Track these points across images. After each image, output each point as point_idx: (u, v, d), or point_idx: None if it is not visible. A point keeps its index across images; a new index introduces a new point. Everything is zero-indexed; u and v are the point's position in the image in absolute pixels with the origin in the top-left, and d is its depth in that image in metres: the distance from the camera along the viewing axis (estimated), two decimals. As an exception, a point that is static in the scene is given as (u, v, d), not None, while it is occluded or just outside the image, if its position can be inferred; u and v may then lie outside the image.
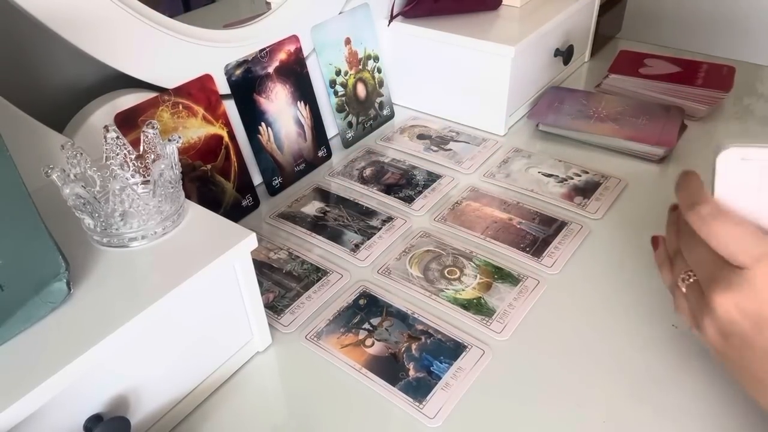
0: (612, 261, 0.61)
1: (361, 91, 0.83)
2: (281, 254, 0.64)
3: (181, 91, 0.61)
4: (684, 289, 0.42)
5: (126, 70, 0.56)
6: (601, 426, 0.46)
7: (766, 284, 0.36)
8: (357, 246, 0.64)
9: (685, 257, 0.42)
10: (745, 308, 0.37)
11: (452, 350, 0.52)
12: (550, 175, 0.74)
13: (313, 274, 0.61)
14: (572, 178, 0.73)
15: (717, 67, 0.91)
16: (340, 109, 0.81)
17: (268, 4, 0.74)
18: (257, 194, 0.71)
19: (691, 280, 0.41)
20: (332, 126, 0.81)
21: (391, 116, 0.88)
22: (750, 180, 0.38)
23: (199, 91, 0.63)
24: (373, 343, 0.53)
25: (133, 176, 0.43)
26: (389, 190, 0.73)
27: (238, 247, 0.45)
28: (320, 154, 0.78)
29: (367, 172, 0.77)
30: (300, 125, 0.75)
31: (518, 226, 0.66)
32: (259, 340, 0.53)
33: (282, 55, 0.71)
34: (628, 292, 0.57)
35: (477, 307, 0.56)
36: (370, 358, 0.52)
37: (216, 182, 0.66)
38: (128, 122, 0.57)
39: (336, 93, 0.80)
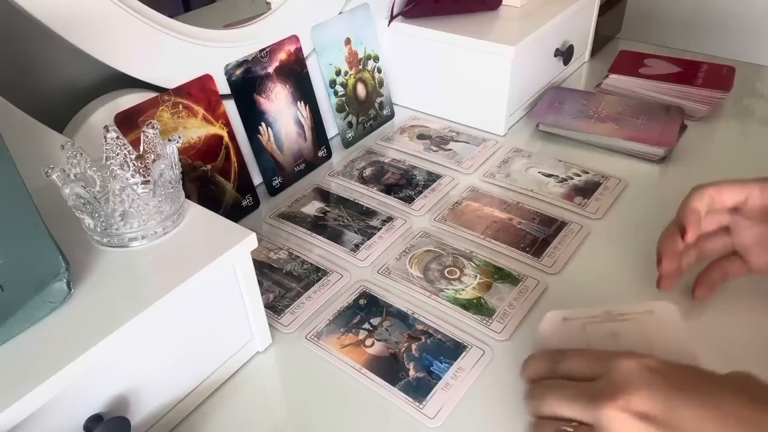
0: (612, 261, 0.61)
1: (361, 91, 0.83)
2: (281, 254, 0.64)
3: (181, 91, 0.61)
4: None
5: (126, 70, 0.56)
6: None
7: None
8: (357, 246, 0.64)
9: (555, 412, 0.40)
10: None
11: (452, 350, 0.52)
12: (550, 175, 0.74)
13: (313, 274, 0.61)
14: (572, 178, 0.73)
15: (717, 67, 0.91)
16: (340, 109, 0.81)
17: (268, 4, 0.74)
18: (257, 194, 0.71)
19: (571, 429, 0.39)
20: (332, 126, 0.81)
21: (391, 116, 0.88)
22: (577, 337, 0.42)
23: (199, 91, 0.63)
24: (373, 343, 0.53)
25: (133, 176, 0.43)
26: (389, 190, 0.73)
27: (238, 247, 0.45)
28: (320, 154, 0.79)
29: (367, 172, 0.77)
30: (300, 125, 0.75)
31: (518, 226, 0.66)
32: (259, 340, 0.53)
33: (282, 55, 0.71)
34: (627, 292, 0.57)
35: (477, 307, 0.56)
36: (370, 358, 0.52)
37: (216, 182, 0.66)
38: (128, 122, 0.57)
39: (336, 93, 0.80)
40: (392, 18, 0.84)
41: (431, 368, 0.50)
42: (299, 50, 0.73)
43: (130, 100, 0.57)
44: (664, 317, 0.43)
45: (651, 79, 0.90)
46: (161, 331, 0.44)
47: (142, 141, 0.46)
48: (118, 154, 0.43)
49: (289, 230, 0.67)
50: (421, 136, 0.83)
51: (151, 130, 0.46)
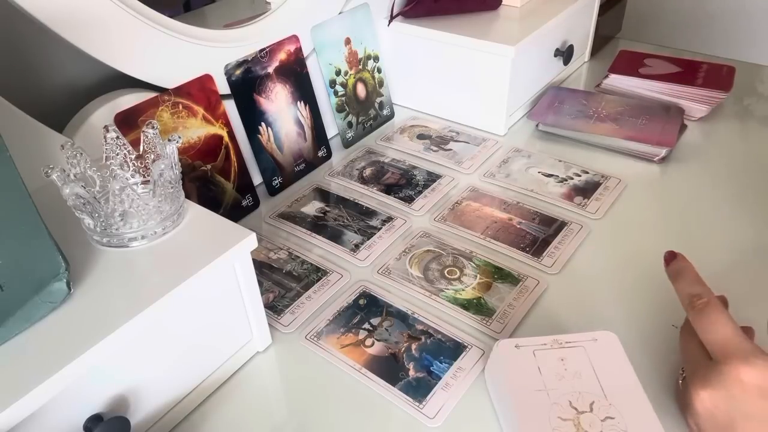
0: (612, 261, 0.61)
1: (361, 91, 0.83)
2: (281, 254, 0.64)
3: (181, 91, 0.61)
4: (680, 385, 0.44)
5: (126, 70, 0.56)
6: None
7: (735, 383, 0.38)
8: (357, 246, 0.64)
9: (682, 354, 0.45)
10: (718, 405, 0.38)
11: (452, 350, 0.52)
12: (550, 175, 0.74)
13: (313, 274, 0.61)
14: (572, 178, 0.73)
15: (717, 67, 0.91)
16: (340, 109, 0.81)
17: (268, 4, 0.74)
18: (257, 194, 0.71)
19: (683, 376, 0.44)
20: (332, 126, 0.81)
21: (391, 116, 0.88)
22: (528, 362, 0.45)
23: (199, 91, 0.63)
24: (373, 343, 0.53)
25: (133, 176, 0.43)
26: (389, 190, 0.73)
27: (238, 247, 0.45)
28: (320, 154, 0.78)
29: (367, 172, 0.77)
30: (300, 125, 0.75)
31: (518, 226, 0.66)
32: (259, 340, 0.53)
33: (282, 55, 0.71)
34: (627, 292, 0.57)
35: (477, 307, 0.56)
36: (370, 358, 0.52)
37: (216, 182, 0.66)
38: (128, 122, 0.57)
39: (336, 93, 0.80)
40: (392, 18, 0.84)
41: (431, 368, 0.50)
42: (299, 50, 0.73)
43: (129, 100, 0.57)
44: (607, 345, 0.47)
45: (651, 79, 0.90)
46: (161, 331, 0.44)
47: (142, 141, 0.46)
48: (117, 154, 0.43)
49: (289, 230, 0.67)
50: (421, 136, 0.83)
51: (150, 130, 0.46)
